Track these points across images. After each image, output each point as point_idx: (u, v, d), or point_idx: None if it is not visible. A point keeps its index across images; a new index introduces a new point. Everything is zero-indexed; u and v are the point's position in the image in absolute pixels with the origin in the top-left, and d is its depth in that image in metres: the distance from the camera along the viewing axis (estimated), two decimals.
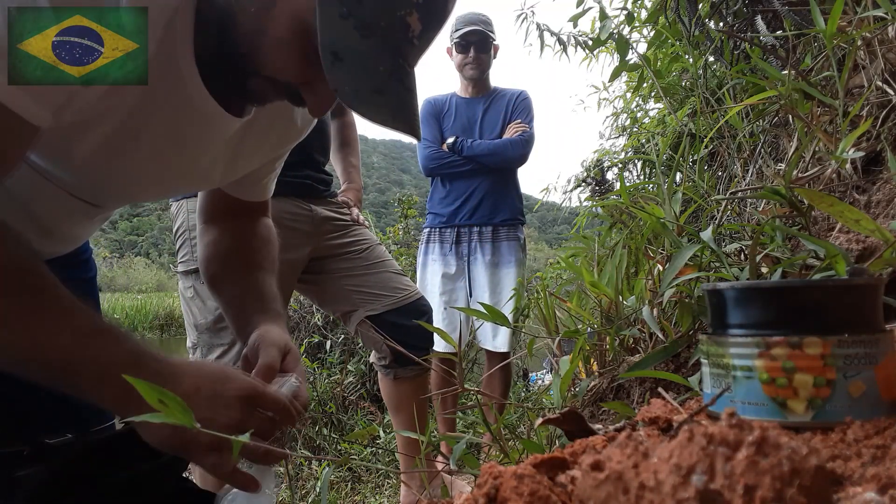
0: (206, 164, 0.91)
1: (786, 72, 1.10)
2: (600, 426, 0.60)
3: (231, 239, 1.05)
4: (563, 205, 3.66)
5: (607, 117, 3.14)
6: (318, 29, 0.68)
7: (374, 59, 0.70)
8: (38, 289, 0.68)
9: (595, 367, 1.10)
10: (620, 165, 2.80)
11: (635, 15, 2.15)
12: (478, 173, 2.73)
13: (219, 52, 0.74)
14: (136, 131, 0.77)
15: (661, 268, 1.02)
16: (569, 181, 3.47)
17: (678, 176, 1.51)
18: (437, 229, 2.81)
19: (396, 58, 0.72)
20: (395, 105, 0.74)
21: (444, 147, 2.76)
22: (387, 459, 2.68)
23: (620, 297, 1.04)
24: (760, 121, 1.37)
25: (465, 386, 0.87)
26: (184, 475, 0.88)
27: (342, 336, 3.91)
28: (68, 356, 0.68)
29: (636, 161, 2.59)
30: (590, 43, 2.16)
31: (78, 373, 0.69)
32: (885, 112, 1.00)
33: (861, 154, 0.95)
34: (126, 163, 0.81)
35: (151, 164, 0.84)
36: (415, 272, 2.94)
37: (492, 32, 2.75)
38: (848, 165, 0.99)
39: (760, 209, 1.07)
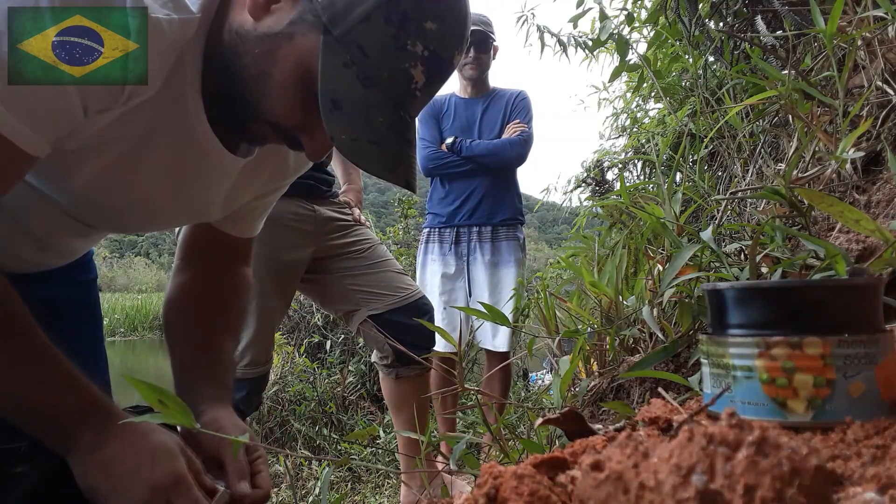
0: (204, 201, 0.90)
1: (786, 72, 1.10)
2: (600, 426, 0.60)
3: (201, 287, 1.00)
4: (563, 205, 3.66)
5: (607, 117, 3.14)
6: (320, 76, 0.68)
7: (374, 110, 0.70)
8: (12, 331, 0.71)
9: (595, 367, 1.10)
10: (620, 165, 2.80)
11: (635, 15, 2.15)
12: (477, 173, 2.73)
13: (224, 92, 0.75)
14: (137, 162, 0.77)
15: (661, 268, 1.02)
16: (569, 181, 3.47)
17: (678, 176, 1.51)
18: (437, 229, 2.81)
19: (397, 109, 0.72)
20: (392, 157, 0.73)
21: (443, 147, 2.76)
22: (387, 459, 2.68)
23: (620, 297, 1.04)
24: (760, 121, 1.37)
25: (465, 386, 0.87)
26: None
27: (342, 336, 3.91)
28: (23, 399, 0.71)
29: (636, 161, 2.59)
30: (590, 43, 2.16)
31: (27, 414, 0.72)
32: (885, 112, 1.00)
33: (861, 154, 0.95)
34: (125, 192, 0.81)
35: (150, 196, 0.84)
36: (415, 272, 2.94)
37: (492, 33, 2.75)
38: (848, 165, 0.99)
39: (760, 209, 1.07)
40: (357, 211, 2.06)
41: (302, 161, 1.01)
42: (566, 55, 2.27)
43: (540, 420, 0.62)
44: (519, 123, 2.75)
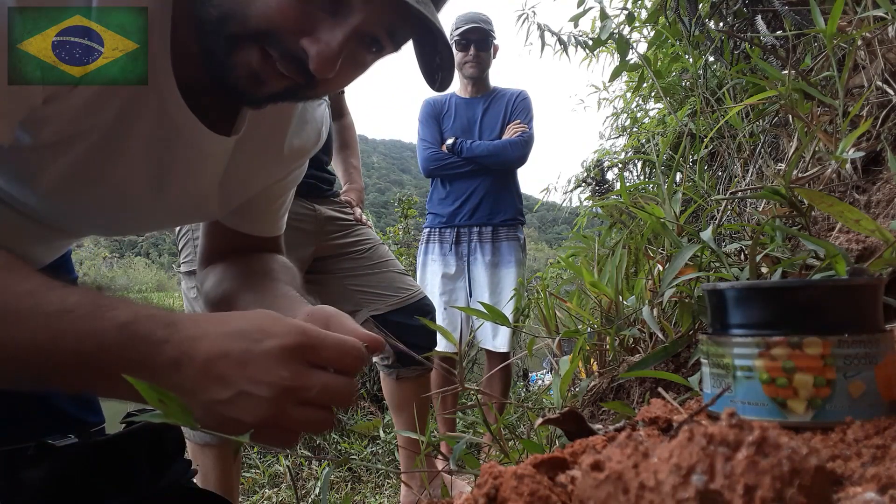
0: (194, 192, 0.84)
1: (786, 72, 1.10)
2: (600, 426, 0.60)
3: (239, 268, 0.92)
4: (563, 205, 3.66)
5: (607, 117, 3.15)
6: None
7: None
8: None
9: (595, 367, 1.10)
10: (620, 165, 2.80)
11: (635, 15, 2.15)
12: (477, 174, 2.74)
13: (202, 27, 0.66)
14: (110, 155, 0.72)
15: (661, 268, 1.02)
16: (569, 181, 3.47)
17: (678, 176, 1.51)
18: (437, 229, 2.81)
19: None
20: None
21: (444, 148, 2.76)
22: (387, 459, 2.68)
23: (620, 297, 1.04)
24: (760, 121, 1.37)
25: (466, 385, 0.87)
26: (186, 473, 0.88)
27: None
28: (38, 346, 0.55)
29: (636, 161, 2.59)
30: (590, 43, 2.16)
31: (54, 365, 0.56)
32: (885, 112, 1.00)
33: (861, 154, 0.95)
34: (101, 189, 0.76)
35: (131, 191, 0.78)
36: (415, 272, 2.94)
37: (492, 32, 2.76)
38: (848, 165, 0.99)
39: (760, 209, 1.07)
40: (358, 210, 2.06)
41: (298, 147, 0.93)
42: (566, 54, 2.27)
43: (540, 420, 0.62)
44: (519, 124, 2.75)
